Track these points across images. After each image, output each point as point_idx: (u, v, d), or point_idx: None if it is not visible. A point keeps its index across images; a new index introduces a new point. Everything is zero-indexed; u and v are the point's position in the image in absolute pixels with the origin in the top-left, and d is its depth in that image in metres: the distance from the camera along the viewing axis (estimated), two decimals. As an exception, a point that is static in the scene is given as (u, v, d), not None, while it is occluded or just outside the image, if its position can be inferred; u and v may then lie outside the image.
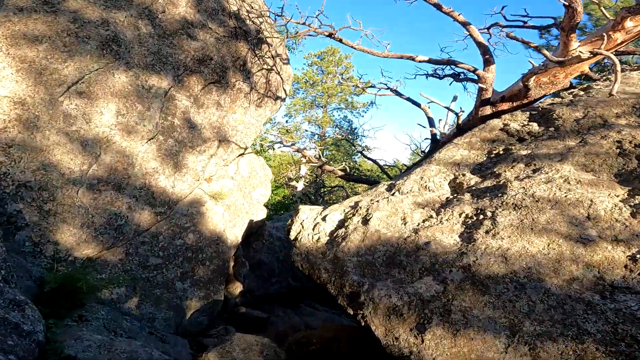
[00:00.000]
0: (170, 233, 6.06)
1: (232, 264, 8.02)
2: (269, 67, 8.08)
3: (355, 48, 7.21)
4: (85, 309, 4.88)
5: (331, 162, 21.46)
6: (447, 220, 4.14)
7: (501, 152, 4.96)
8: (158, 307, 6.02)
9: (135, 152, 5.31)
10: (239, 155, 8.00)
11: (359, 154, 25.19)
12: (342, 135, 13.49)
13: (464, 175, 4.77)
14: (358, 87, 9.05)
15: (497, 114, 7.58)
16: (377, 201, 4.78)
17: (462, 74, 8.86)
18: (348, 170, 10.97)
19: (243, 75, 7.35)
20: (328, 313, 9.77)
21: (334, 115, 26.87)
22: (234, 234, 7.36)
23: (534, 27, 8.77)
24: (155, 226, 5.87)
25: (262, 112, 8.34)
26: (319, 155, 11.34)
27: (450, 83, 9.09)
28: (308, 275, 4.60)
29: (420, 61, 7.35)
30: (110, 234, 5.15)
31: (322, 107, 26.51)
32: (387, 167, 11.51)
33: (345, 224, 4.70)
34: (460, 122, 7.89)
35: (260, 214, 8.62)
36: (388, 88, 9.26)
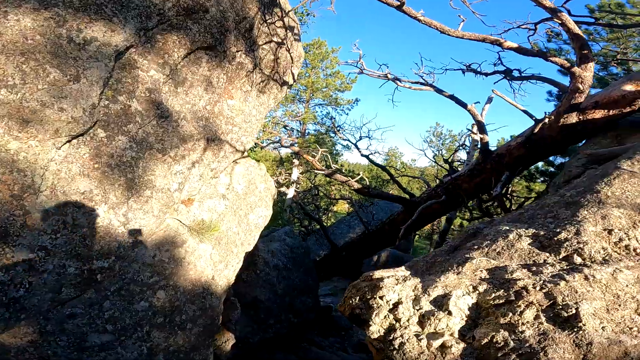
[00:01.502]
0: (124, 296, 3.19)
1: (221, 308, 5.18)
2: (280, 41, 5.23)
3: (419, 20, 4.49)
4: None
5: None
6: None
7: None
8: (108, 411, 3.22)
9: (41, 163, 2.37)
10: (233, 162, 5.14)
11: (341, 154, 22.34)
12: (337, 131, 10.63)
13: None
14: (387, 77, 6.42)
15: (584, 124, 5.08)
16: (559, 278, 2.10)
17: (516, 71, 6.30)
18: (367, 182, 8.30)
19: (246, 45, 4.48)
20: (333, 354, 7.13)
21: (316, 111, 23.89)
22: (226, 277, 4.52)
23: (610, 26, 6.31)
24: (94, 289, 2.98)
25: (265, 100, 5.46)
26: (325, 160, 8.68)
27: (497, 81, 6.57)
28: None
29: (507, 48, 4.73)
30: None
31: (304, 102, 23.48)
32: (398, 175, 9.00)
33: (501, 320, 2.03)
34: (536, 129, 5.31)
35: (252, 244, 5.82)
36: (424, 82, 6.60)
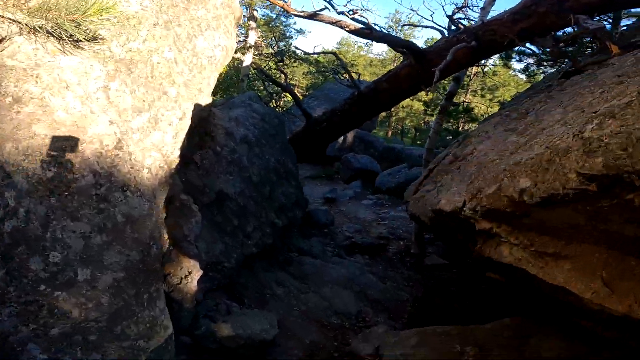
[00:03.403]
0: None
1: (161, 217, 2.71)
2: None
3: None
4: None
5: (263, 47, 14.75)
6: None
7: None
8: None
9: None
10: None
11: (295, 37, 18.49)
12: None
13: None
14: None
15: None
16: None
17: None
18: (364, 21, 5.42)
19: None
20: (329, 262, 5.19)
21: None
22: (157, 147, 1.96)
23: None
24: None
25: None
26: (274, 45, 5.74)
27: None
28: None
29: None
30: None
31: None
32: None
33: None
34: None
35: (206, 93, 3.25)
36: None
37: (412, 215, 3.92)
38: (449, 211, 2.35)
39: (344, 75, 10.69)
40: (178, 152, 2.16)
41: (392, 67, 7.69)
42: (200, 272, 3.11)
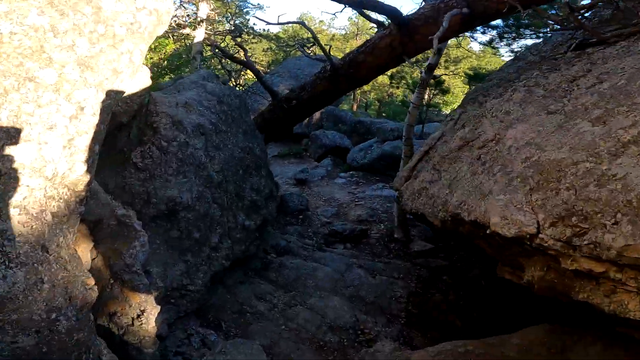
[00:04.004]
0: None
1: (69, 269, 1.91)
2: None
3: None
4: None
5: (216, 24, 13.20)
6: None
7: None
8: None
9: None
10: None
11: (252, 13, 16.83)
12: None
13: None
14: None
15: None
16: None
17: None
18: None
19: None
20: (312, 260, 4.51)
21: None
22: (34, 169, 1.15)
23: None
24: None
25: None
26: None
27: None
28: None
29: None
30: None
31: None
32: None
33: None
34: None
35: (141, 73, 2.39)
36: None
37: (412, 212, 3.23)
38: (510, 237, 1.65)
39: (311, 49, 9.73)
40: (84, 168, 1.35)
41: (358, 42, 6.86)
42: (158, 308, 2.36)
